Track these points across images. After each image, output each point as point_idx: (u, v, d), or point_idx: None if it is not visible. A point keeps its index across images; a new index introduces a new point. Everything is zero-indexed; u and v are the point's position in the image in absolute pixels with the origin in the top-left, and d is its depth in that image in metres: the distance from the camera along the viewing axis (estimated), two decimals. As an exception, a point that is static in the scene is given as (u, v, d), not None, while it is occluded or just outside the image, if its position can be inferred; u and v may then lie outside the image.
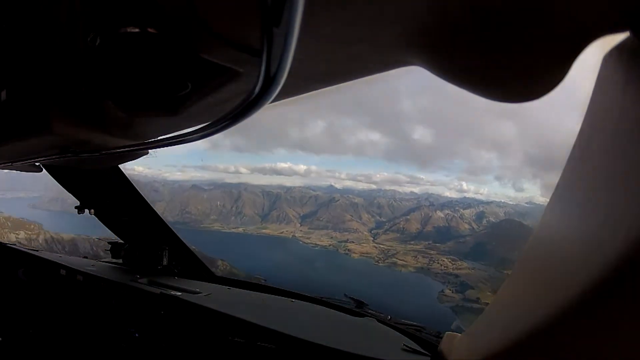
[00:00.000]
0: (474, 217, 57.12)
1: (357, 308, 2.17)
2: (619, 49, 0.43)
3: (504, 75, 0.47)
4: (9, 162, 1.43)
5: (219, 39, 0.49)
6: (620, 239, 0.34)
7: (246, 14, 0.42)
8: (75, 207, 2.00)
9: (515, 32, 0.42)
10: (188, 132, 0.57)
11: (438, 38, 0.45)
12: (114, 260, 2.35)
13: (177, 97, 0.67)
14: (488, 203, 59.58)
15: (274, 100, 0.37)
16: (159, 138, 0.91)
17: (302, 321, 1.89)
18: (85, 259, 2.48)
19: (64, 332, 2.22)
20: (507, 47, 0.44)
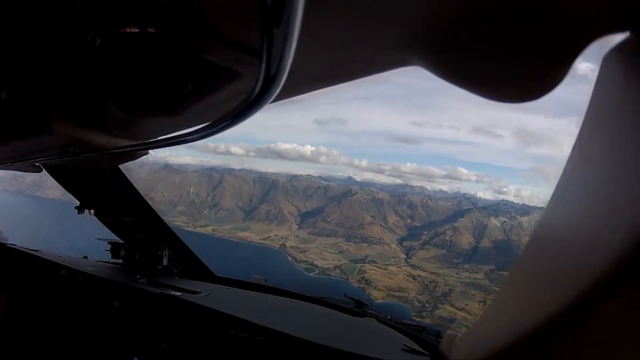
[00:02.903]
0: (536, 228, 40.97)
1: (357, 308, 2.17)
2: (619, 49, 0.43)
3: (504, 75, 0.47)
4: (9, 162, 1.43)
5: (219, 39, 0.49)
6: (621, 239, 0.34)
7: (246, 14, 0.42)
8: (75, 207, 2.00)
9: (515, 31, 0.42)
10: (188, 132, 0.57)
11: (438, 38, 0.45)
12: (114, 260, 2.35)
13: (177, 97, 0.67)
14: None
15: (274, 100, 0.37)
16: (159, 138, 0.91)
17: (302, 321, 1.89)
18: (85, 259, 2.49)
19: (64, 332, 2.21)
20: (507, 47, 0.44)
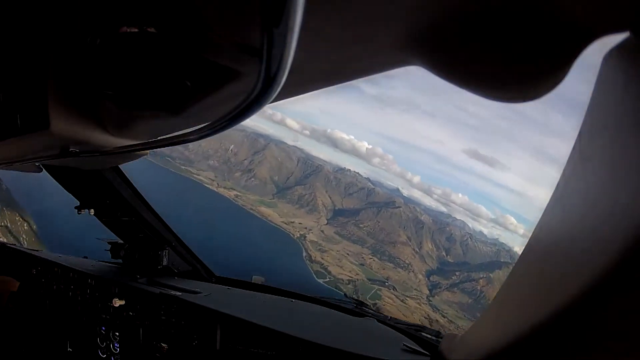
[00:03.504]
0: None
1: (357, 308, 2.17)
2: (619, 49, 0.43)
3: (504, 75, 0.47)
4: (8, 163, 1.43)
5: (219, 39, 0.49)
6: (621, 239, 0.34)
7: (246, 13, 0.42)
8: (75, 207, 2.00)
9: (515, 32, 0.42)
10: (188, 132, 0.57)
11: (438, 38, 0.45)
12: (114, 260, 2.35)
13: (177, 97, 0.67)
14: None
15: (274, 100, 0.37)
16: (159, 138, 0.91)
17: (302, 321, 1.89)
18: (85, 259, 2.49)
19: (64, 332, 2.21)
20: (507, 47, 0.44)
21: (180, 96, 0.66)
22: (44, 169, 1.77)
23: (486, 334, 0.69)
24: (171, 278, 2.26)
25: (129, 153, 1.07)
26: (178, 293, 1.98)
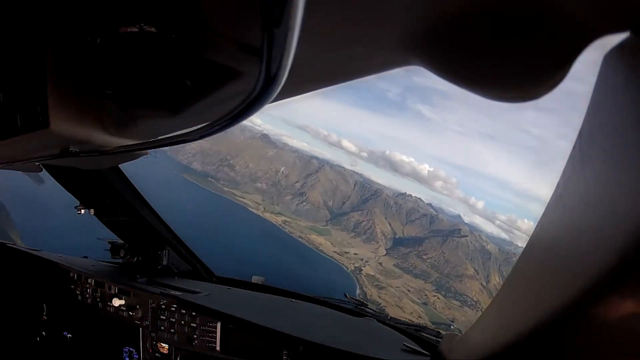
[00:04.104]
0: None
1: (357, 308, 2.17)
2: (619, 49, 0.43)
3: (504, 75, 0.47)
4: (8, 163, 1.43)
5: (219, 39, 0.49)
6: (621, 239, 0.34)
7: (246, 13, 0.42)
8: (75, 207, 2.00)
9: (515, 32, 0.42)
10: (188, 132, 0.57)
11: (438, 38, 0.45)
12: (114, 260, 2.35)
13: (177, 97, 0.67)
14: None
15: (274, 100, 0.37)
16: (159, 138, 0.91)
17: (302, 321, 1.89)
18: (85, 259, 2.48)
19: (64, 332, 2.21)
20: (507, 47, 0.44)
21: (180, 96, 0.66)
22: (44, 169, 1.77)
23: (486, 334, 0.69)
24: (171, 278, 2.26)
25: (129, 153, 1.07)
26: (178, 293, 1.98)
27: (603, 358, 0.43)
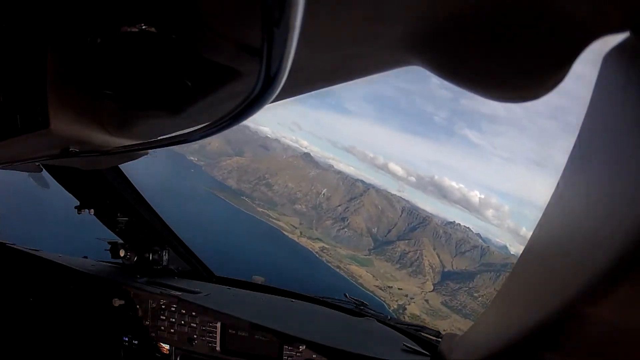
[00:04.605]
0: None
1: (357, 308, 2.17)
2: (619, 49, 0.43)
3: (504, 75, 0.47)
4: (8, 163, 1.43)
5: (219, 39, 0.49)
6: (621, 239, 0.34)
7: (246, 13, 0.42)
8: (75, 207, 2.00)
9: (515, 32, 0.42)
10: (188, 132, 0.57)
11: (438, 38, 0.45)
12: (114, 260, 2.35)
13: (177, 97, 0.67)
14: None
15: (274, 100, 0.37)
16: (159, 138, 0.91)
17: (302, 321, 1.89)
18: (85, 259, 2.48)
19: (64, 332, 2.21)
20: (507, 47, 0.44)
21: (180, 96, 0.66)
22: (44, 169, 1.77)
23: (486, 334, 0.69)
24: (171, 278, 2.26)
25: (129, 153, 1.07)
26: (178, 293, 1.99)
27: (603, 358, 0.43)
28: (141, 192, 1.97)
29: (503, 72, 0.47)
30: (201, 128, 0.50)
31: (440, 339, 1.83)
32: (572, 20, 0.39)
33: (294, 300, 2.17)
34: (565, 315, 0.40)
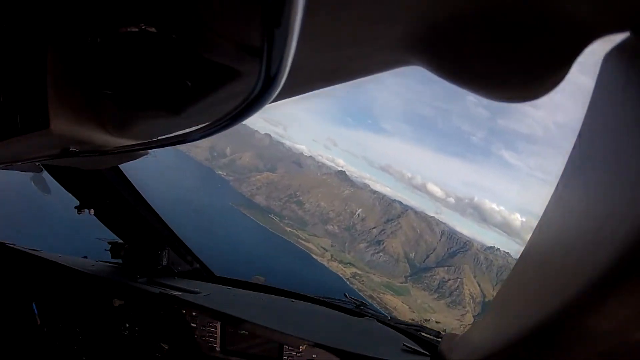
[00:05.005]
0: None
1: (357, 308, 2.17)
2: (619, 49, 0.43)
3: (504, 75, 0.47)
4: (9, 163, 1.43)
5: (219, 39, 0.49)
6: (620, 240, 0.34)
7: (246, 13, 0.42)
8: (75, 207, 2.00)
9: (515, 32, 0.42)
10: (188, 132, 0.57)
11: (438, 38, 0.45)
12: (114, 260, 2.35)
13: (177, 97, 0.67)
14: None
15: (274, 100, 0.37)
16: (159, 138, 0.91)
17: (302, 321, 1.89)
18: (85, 259, 2.48)
19: (64, 332, 2.21)
20: (507, 47, 0.44)
21: (180, 96, 0.66)
22: (44, 169, 1.77)
23: (486, 334, 0.69)
24: (171, 278, 2.26)
25: (129, 153, 1.07)
26: (178, 293, 1.98)
27: (603, 358, 0.43)
28: (141, 192, 1.97)
29: (503, 72, 0.47)
30: (201, 128, 0.50)
31: (440, 339, 1.83)
32: (572, 20, 0.39)
33: (294, 300, 2.17)
34: (565, 315, 0.40)
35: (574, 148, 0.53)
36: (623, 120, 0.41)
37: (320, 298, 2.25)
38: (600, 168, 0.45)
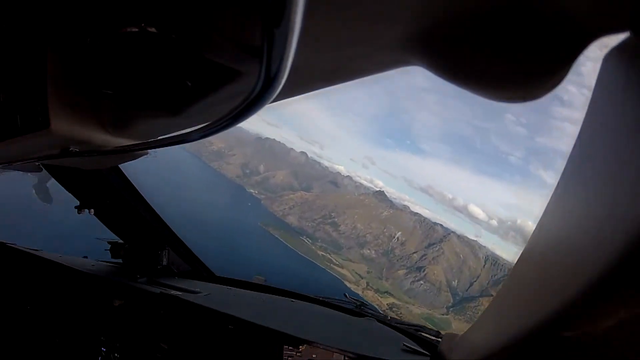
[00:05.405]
0: None
1: (357, 308, 2.17)
2: (619, 49, 0.43)
3: (504, 75, 0.47)
4: (9, 163, 1.43)
5: (219, 39, 0.49)
6: (620, 239, 0.34)
7: (247, 13, 0.42)
8: (75, 207, 2.00)
9: (515, 32, 0.42)
10: (188, 132, 0.57)
11: (438, 38, 0.45)
12: (114, 260, 2.35)
13: (177, 97, 0.67)
14: None
15: (274, 100, 0.37)
16: (159, 138, 0.91)
17: (302, 321, 1.89)
18: (85, 259, 2.48)
19: (64, 332, 2.21)
20: (507, 47, 0.44)
21: (180, 96, 0.66)
22: (44, 169, 1.77)
23: (486, 334, 0.69)
24: (171, 278, 2.26)
25: (129, 153, 1.07)
26: (178, 293, 1.98)
27: (603, 358, 0.43)
28: (141, 192, 1.97)
29: (503, 72, 0.47)
30: (201, 128, 0.50)
31: (440, 339, 1.83)
32: (572, 20, 0.39)
33: (294, 300, 2.17)
34: (564, 315, 0.40)
35: (574, 148, 0.53)
36: (623, 120, 0.41)
37: (320, 298, 2.25)
38: (600, 168, 0.45)
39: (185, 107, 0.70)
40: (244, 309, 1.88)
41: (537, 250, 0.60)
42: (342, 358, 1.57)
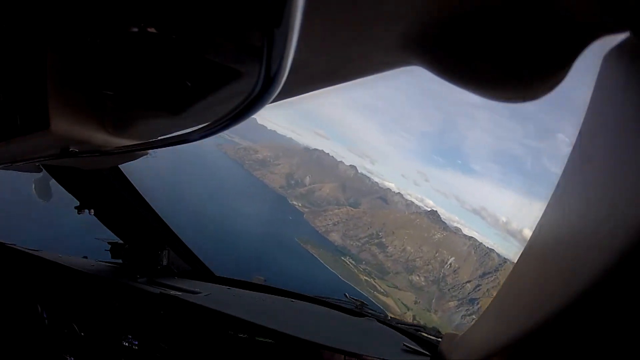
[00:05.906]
0: None
1: (357, 308, 2.17)
2: (619, 49, 0.43)
3: (504, 75, 0.47)
4: (8, 163, 1.43)
5: (219, 39, 0.49)
6: (620, 239, 0.34)
7: (247, 14, 0.42)
8: (75, 207, 2.00)
9: (515, 32, 0.42)
10: (188, 132, 0.57)
11: (438, 38, 0.45)
12: (114, 260, 2.35)
13: (177, 97, 0.67)
14: None
15: (274, 100, 0.37)
16: (159, 138, 0.91)
17: (302, 321, 1.89)
18: (85, 259, 2.48)
19: (64, 332, 2.21)
20: (507, 47, 0.44)
21: (180, 96, 0.66)
22: (44, 169, 1.77)
23: (486, 334, 0.69)
24: (171, 278, 2.26)
25: (129, 153, 1.07)
26: (178, 293, 1.98)
27: (603, 358, 0.43)
28: (141, 192, 1.97)
29: (503, 71, 0.47)
30: (201, 128, 0.50)
31: (440, 339, 1.84)
32: (572, 20, 0.39)
33: (294, 300, 2.17)
34: (564, 315, 0.40)
35: (574, 148, 0.53)
36: (623, 120, 0.41)
37: (320, 298, 2.25)
38: (600, 168, 0.45)
39: (185, 107, 0.70)
40: (244, 309, 1.88)
41: (537, 250, 0.60)
42: (342, 358, 1.57)
